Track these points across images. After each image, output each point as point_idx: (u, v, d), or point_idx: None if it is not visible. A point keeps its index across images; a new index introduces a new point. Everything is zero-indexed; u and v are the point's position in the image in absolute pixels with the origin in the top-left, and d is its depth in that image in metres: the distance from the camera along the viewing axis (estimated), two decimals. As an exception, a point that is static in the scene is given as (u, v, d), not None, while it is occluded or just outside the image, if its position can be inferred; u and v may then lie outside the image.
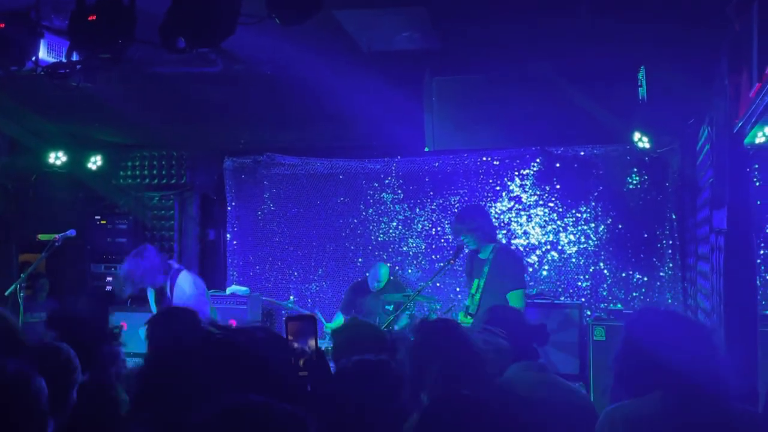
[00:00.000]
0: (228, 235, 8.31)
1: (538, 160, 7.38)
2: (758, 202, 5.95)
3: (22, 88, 5.58)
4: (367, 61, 4.80)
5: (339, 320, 7.13)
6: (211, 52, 4.49)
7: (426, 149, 5.85)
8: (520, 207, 7.45)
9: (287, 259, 8.18)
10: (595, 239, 7.25)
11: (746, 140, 3.90)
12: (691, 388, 2.17)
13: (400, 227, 7.86)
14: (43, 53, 3.70)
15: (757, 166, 5.97)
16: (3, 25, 3.49)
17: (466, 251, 5.71)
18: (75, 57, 3.61)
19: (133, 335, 4.84)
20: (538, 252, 7.38)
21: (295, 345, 2.42)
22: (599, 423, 2.39)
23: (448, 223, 7.64)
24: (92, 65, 3.77)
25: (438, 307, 6.65)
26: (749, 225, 3.94)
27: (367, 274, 7.29)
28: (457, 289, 7.48)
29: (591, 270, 7.23)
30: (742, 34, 3.58)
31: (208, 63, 4.84)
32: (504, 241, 7.33)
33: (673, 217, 7.01)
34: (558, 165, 7.36)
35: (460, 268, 6.93)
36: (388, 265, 7.42)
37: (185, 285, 5.38)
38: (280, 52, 4.67)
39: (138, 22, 3.40)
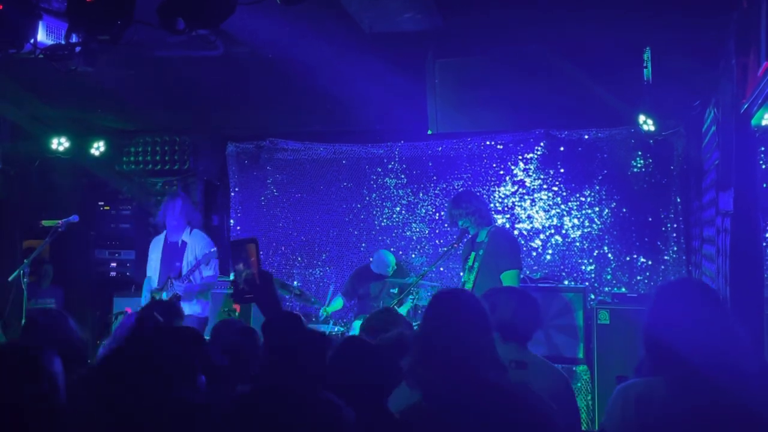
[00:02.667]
0: (231, 221, 8.30)
1: (542, 144, 7.33)
2: (765, 185, 5.90)
3: (24, 74, 5.56)
4: (369, 42, 4.77)
5: (338, 303, 7.14)
6: (212, 34, 4.45)
7: (429, 132, 5.82)
8: (524, 191, 7.41)
9: (291, 244, 8.17)
10: (599, 223, 7.21)
11: (753, 122, 3.86)
12: (709, 372, 2.13)
13: (403, 212, 7.83)
14: (41, 36, 3.67)
15: (763, 149, 5.92)
16: (1, 7, 3.45)
17: (469, 236, 5.70)
18: (74, 39, 3.58)
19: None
20: (542, 236, 7.35)
21: (240, 266, 2.41)
22: (612, 399, 2.37)
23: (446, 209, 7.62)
24: (91, 48, 3.73)
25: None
26: (756, 206, 3.90)
27: (371, 259, 7.28)
28: (461, 274, 7.45)
29: (595, 254, 7.20)
30: (749, 12, 3.53)
31: (209, 46, 4.81)
32: (508, 226, 7.31)
33: (678, 200, 6.97)
34: (562, 148, 7.32)
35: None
36: (391, 249, 7.41)
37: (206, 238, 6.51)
38: (281, 34, 4.63)
39: (137, 3, 3.37)
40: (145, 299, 6.25)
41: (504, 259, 5.33)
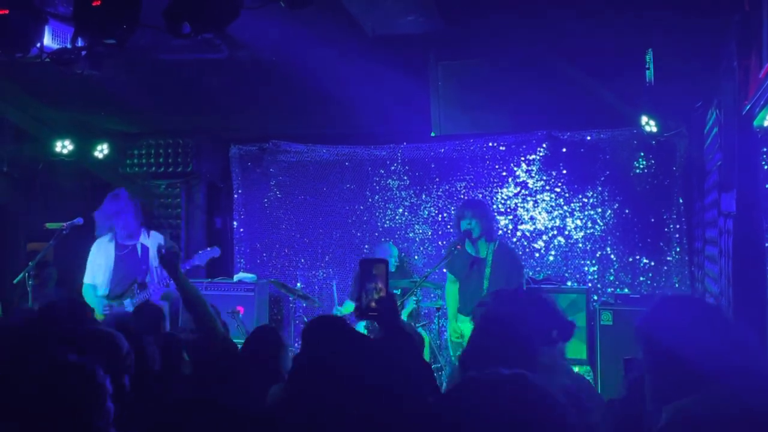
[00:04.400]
0: (235, 223, 8.33)
1: (544, 145, 7.35)
2: (767, 186, 5.91)
3: (28, 77, 5.58)
4: (372, 45, 4.78)
5: (350, 307, 7.15)
6: (216, 37, 4.48)
7: (432, 134, 5.84)
8: (527, 192, 7.43)
9: (294, 246, 8.19)
10: (601, 224, 7.23)
11: (755, 122, 3.87)
12: (729, 382, 2.09)
13: (406, 213, 7.85)
14: (47, 40, 3.70)
15: (766, 149, 5.93)
16: (7, 12, 3.48)
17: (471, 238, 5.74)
18: (80, 43, 3.61)
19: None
20: (544, 237, 7.36)
21: (372, 285, 2.57)
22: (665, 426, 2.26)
23: (454, 209, 7.62)
24: (97, 52, 3.76)
25: (441, 293, 6.65)
26: (758, 207, 3.92)
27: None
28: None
29: (598, 255, 7.21)
30: (751, 14, 3.55)
31: (213, 49, 4.84)
32: (511, 227, 7.33)
33: (681, 201, 6.98)
34: (564, 150, 7.33)
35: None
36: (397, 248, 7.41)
37: (160, 235, 5.94)
38: (285, 37, 4.65)
39: (143, 7, 3.39)
40: (97, 308, 5.53)
41: (512, 277, 5.54)
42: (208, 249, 5.98)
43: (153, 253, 5.67)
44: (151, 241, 5.86)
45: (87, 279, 5.89)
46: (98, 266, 5.84)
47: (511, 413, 1.44)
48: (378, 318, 2.58)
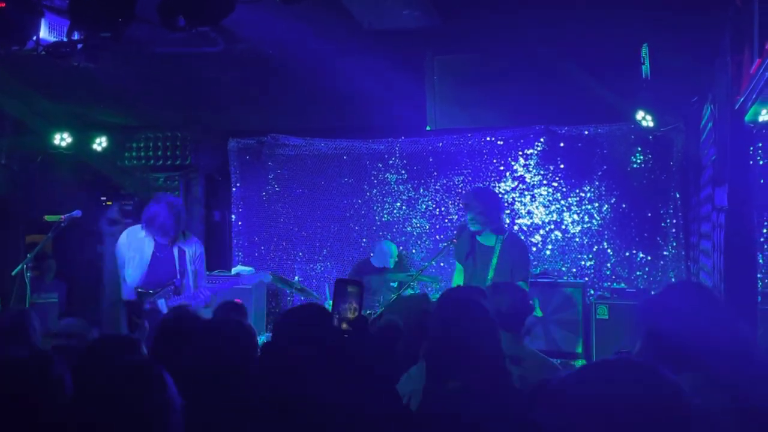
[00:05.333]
0: (233, 216, 8.35)
1: (542, 140, 7.36)
2: (762, 181, 5.94)
3: (27, 70, 5.60)
4: (369, 39, 4.80)
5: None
6: (212, 31, 4.49)
7: (428, 128, 5.85)
8: (524, 187, 7.44)
9: (292, 239, 8.22)
10: (598, 218, 7.25)
11: (747, 117, 3.89)
12: (723, 370, 2.13)
13: (404, 207, 7.87)
14: (44, 33, 3.71)
15: (761, 144, 5.95)
16: (4, 5, 3.50)
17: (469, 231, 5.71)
18: (76, 36, 3.62)
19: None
20: (542, 231, 7.38)
21: (345, 306, 2.60)
22: None
23: (452, 204, 7.65)
24: (93, 44, 3.77)
25: (438, 286, 6.67)
26: (750, 202, 3.94)
27: (372, 254, 7.32)
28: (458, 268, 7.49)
29: (594, 249, 7.23)
30: (743, 10, 3.56)
31: (209, 43, 4.85)
32: (508, 221, 7.34)
33: (677, 196, 7.00)
34: (562, 144, 7.34)
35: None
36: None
37: (195, 238, 5.74)
38: (282, 31, 4.67)
39: (138, 1, 3.41)
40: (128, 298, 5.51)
41: (520, 269, 5.32)
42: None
43: (189, 257, 5.57)
44: (188, 244, 5.64)
45: (128, 272, 5.63)
46: (130, 259, 5.62)
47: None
48: (349, 338, 2.57)
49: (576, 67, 5.44)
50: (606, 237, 7.22)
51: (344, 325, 2.56)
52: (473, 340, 2.47)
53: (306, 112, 7.35)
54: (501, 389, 2.40)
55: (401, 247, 7.67)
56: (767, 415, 2.07)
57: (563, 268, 7.26)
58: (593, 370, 1.62)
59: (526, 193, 7.43)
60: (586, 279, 7.08)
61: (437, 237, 7.69)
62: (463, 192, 7.36)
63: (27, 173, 7.63)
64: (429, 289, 7.28)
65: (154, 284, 5.50)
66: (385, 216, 7.92)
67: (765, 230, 6.11)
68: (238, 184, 8.30)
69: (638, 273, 7.11)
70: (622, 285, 6.98)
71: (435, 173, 7.75)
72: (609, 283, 7.10)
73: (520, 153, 7.45)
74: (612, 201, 7.22)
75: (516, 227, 7.38)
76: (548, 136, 7.34)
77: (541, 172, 7.39)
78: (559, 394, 1.58)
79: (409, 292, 6.50)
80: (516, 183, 7.46)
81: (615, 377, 1.55)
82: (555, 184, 7.37)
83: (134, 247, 5.61)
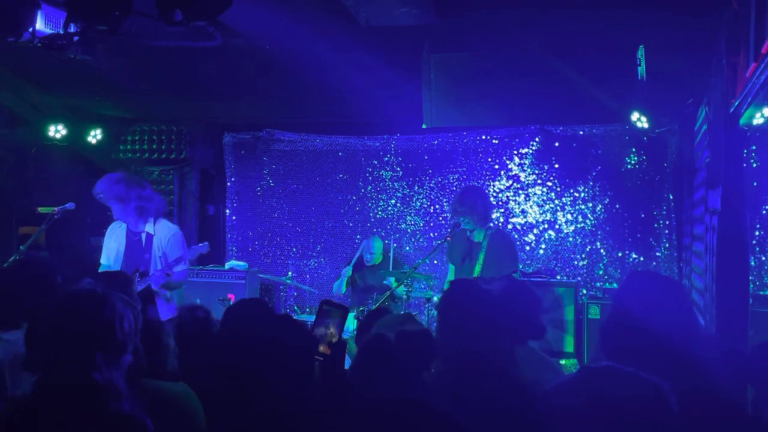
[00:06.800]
0: (227, 211, 8.34)
1: (537, 139, 7.38)
2: (755, 184, 5.96)
3: (22, 61, 5.58)
4: (366, 36, 4.81)
5: (342, 289, 7.17)
6: (209, 25, 4.48)
7: (424, 126, 5.86)
8: (519, 186, 7.46)
9: (286, 234, 8.22)
10: (592, 219, 7.27)
11: (742, 120, 3.91)
12: (672, 357, 2.19)
13: (398, 205, 7.88)
14: (40, 24, 3.70)
15: (755, 147, 5.97)
16: (0, -4, 3.49)
17: (461, 228, 5.73)
18: (72, 29, 3.61)
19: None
20: (535, 231, 7.40)
21: (323, 330, 2.59)
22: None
23: (446, 201, 7.66)
24: (90, 37, 3.77)
25: (432, 284, 6.68)
26: (743, 204, 3.95)
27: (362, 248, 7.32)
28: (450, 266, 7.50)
29: (588, 249, 7.26)
30: (740, 13, 3.57)
31: (206, 37, 4.83)
32: (502, 220, 7.36)
33: (671, 197, 7.02)
34: (557, 144, 7.36)
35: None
36: (386, 241, 7.44)
37: (170, 224, 5.64)
38: (279, 27, 4.66)
39: (135, -6, 3.40)
40: None
41: (506, 263, 5.38)
42: (199, 245, 5.91)
43: (158, 242, 5.52)
44: (158, 229, 5.58)
45: (102, 260, 5.82)
46: (110, 249, 5.73)
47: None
48: (324, 362, 2.54)
49: (572, 68, 5.45)
50: (599, 237, 7.25)
51: (323, 348, 2.54)
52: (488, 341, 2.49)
53: (302, 108, 7.35)
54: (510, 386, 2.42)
55: (395, 244, 7.68)
56: (708, 393, 2.13)
57: (556, 268, 7.27)
58: (576, 381, 1.64)
59: (520, 192, 7.45)
60: (579, 279, 7.11)
61: (431, 235, 7.70)
62: (457, 190, 7.37)
63: (21, 165, 7.61)
64: (423, 286, 7.29)
65: (127, 271, 5.44)
66: (380, 213, 7.93)
67: (757, 233, 6.15)
68: (232, 179, 8.30)
69: (631, 273, 7.13)
70: (615, 285, 7.00)
71: (430, 171, 7.76)
72: (601, 283, 7.12)
73: (515, 152, 7.47)
74: (606, 201, 7.24)
75: (510, 226, 7.39)
76: (543, 135, 7.36)
77: (536, 172, 7.41)
78: (547, 410, 1.62)
79: (402, 290, 6.52)
80: (510, 182, 7.48)
81: (598, 386, 1.58)
82: (549, 184, 7.39)
83: (114, 238, 5.71)
